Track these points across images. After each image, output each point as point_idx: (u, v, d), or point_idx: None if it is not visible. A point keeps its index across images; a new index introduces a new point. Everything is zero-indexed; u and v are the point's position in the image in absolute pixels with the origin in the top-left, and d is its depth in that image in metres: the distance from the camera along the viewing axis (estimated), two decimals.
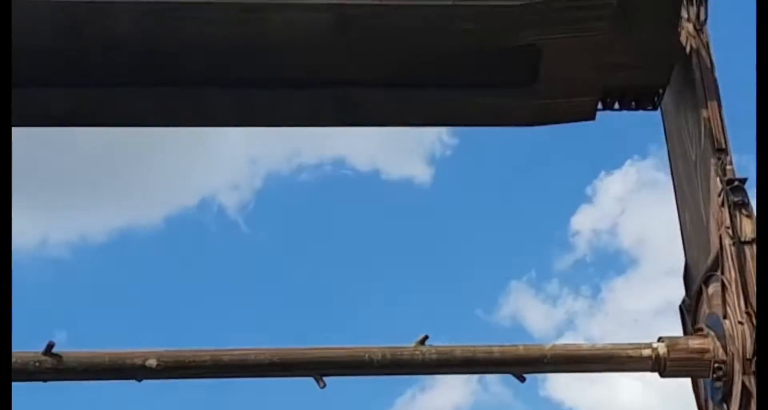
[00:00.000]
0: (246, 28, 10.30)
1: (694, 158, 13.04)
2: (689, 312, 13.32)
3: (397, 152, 35.56)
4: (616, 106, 13.57)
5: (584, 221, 39.45)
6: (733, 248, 11.82)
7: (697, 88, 12.71)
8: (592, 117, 13.40)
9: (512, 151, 33.73)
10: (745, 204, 11.99)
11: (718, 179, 12.17)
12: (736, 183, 11.98)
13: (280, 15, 10.30)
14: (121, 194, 32.79)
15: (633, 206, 38.52)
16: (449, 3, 10.33)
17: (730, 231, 11.84)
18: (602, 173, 37.24)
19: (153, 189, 33.08)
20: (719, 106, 12.57)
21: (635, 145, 37.40)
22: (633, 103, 13.48)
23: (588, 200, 38.52)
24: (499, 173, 35.12)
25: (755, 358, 11.29)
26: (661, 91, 13.18)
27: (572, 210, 37.78)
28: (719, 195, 12.11)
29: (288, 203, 34.65)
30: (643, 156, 36.03)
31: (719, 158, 12.19)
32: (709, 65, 12.84)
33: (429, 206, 34.72)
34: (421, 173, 34.24)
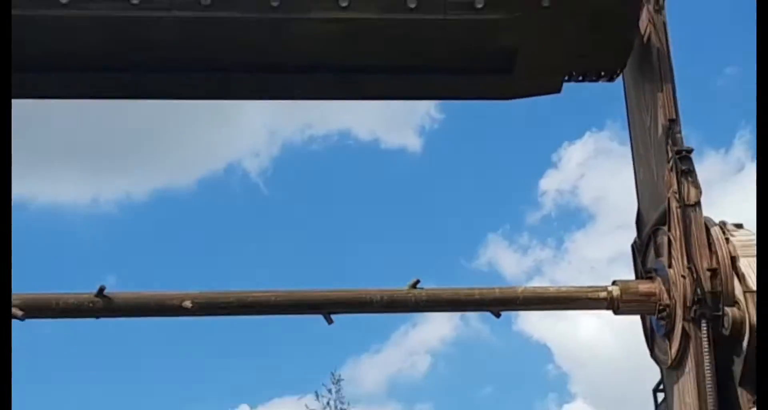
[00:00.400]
0: (266, 34, 12.25)
1: (648, 125, 14.52)
2: (640, 252, 15.13)
3: (393, 126, 40.20)
4: (580, 78, 15.36)
5: (550, 183, 45.96)
6: (678, 210, 13.41)
7: (653, 65, 14.18)
8: (558, 91, 15.17)
9: (490, 124, 39.00)
10: (691, 172, 13.50)
11: (668, 147, 13.71)
12: (684, 153, 13.46)
13: (299, 26, 12.21)
14: (160, 160, 37.18)
15: (591, 170, 43.49)
16: (441, 17, 12.15)
17: (677, 195, 13.41)
18: (565, 142, 43.83)
19: (187, 156, 37.37)
20: (672, 82, 14.00)
21: (594, 118, 41.23)
22: (595, 77, 15.26)
23: (554, 165, 45.62)
24: (479, 143, 41.18)
25: (694, 307, 12.80)
26: (619, 70, 14.62)
27: (540, 174, 44.78)
28: (668, 162, 13.63)
29: (301, 168, 39.70)
30: (601, 128, 39.45)
31: (671, 128, 13.71)
32: (665, 45, 14.18)
33: (419, 171, 40.63)
34: (413, 143, 40.30)
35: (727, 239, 13.53)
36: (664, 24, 14.38)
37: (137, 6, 12.37)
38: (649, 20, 14.27)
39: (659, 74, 14.20)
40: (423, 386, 37.16)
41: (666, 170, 13.80)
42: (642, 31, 14.38)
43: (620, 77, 15.26)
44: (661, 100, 14.15)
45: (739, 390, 12.92)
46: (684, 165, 13.45)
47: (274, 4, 12.42)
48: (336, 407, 25.28)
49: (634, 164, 15.69)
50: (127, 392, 32.78)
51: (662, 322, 13.97)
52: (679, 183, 13.51)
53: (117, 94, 14.22)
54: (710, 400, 12.60)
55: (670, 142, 13.76)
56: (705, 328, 12.74)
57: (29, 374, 28.90)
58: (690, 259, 13.15)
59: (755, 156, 13.98)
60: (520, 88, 14.81)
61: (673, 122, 13.81)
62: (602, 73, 14.81)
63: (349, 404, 25.68)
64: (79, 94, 14.42)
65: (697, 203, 13.43)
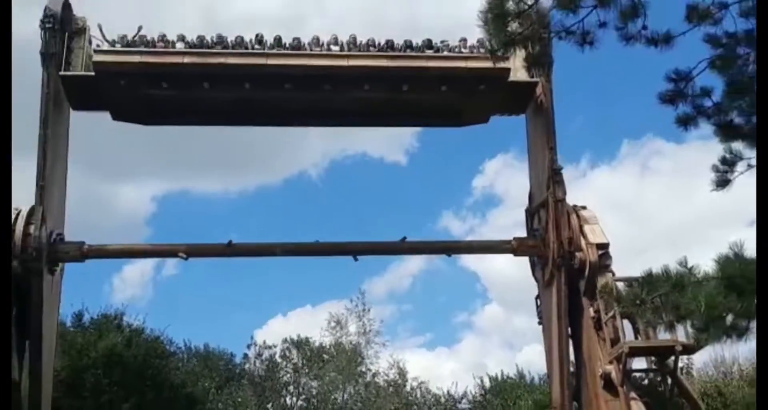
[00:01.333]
0: (326, 101, 20.21)
1: (539, 147, 21.21)
2: (530, 215, 21.89)
3: (390, 149, 67.99)
4: (499, 115, 22.54)
5: (479, 181, 72.64)
6: (552, 203, 20.23)
7: (543, 113, 20.97)
8: (486, 121, 22.48)
9: (444, 148, 67.92)
10: (560, 181, 20.18)
11: (548, 164, 20.43)
12: (557, 169, 20.26)
13: (335, 87, 19.82)
14: (262, 167, 60.46)
15: (501, 175, 67.34)
16: (418, 96, 20.04)
17: (552, 195, 20.28)
18: (486, 158, 73.47)
19: (277, 166, 60.78)
20: (553, 124, 20.86)
21: (502, 146, 67.01)
22: (508, 114, 22.54)
23: (480, 171, 73.60)
24: (439, 158, 66.31)
25: (558, 258, 19.44)
26: (524, 112, 22.02)
27: (473, 176, 70.34)
28: (547, 173, 20.44)
29: (339, 173, 64.43)
30: (507, 151, 63.22)
31: (551, 152, 20.46)
32: (550, 101, 20.90)
33: (406, 175, 64.81)
34: (402, 159, 65.85)
35: (577, 215, 20.64)
36: (551, 89, 21.12)
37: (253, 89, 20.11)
38: (543, 86, 20.97)
39: (545, 119, 20.93)
40: (406, 295, 61.39)
41: (546, 178, 20.63)
42: (538, 92, 21.05)
43: (524, 116, 22.30)
44: (545, 135, 20.88)
45: (583, 299, 20.25)
46: (556, 177, 20.43)
47: (327, 87, 20.01)
48: (363, 307, 37.44)
49: (529, 166, 22.58)
50: (247, 297, 58.69)
51: (540, 261, 21.39)
52: (553, 186, 20.37)
53: (242, 122, 22.12)
54: (563, 304, 20.08)
55: (549, 161, 20.40)
56: (563, 269, 19.90)
57: (192, 286, 58.36)
58: (557, 234, 20.20)
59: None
60: (466, 121, 22.44)
61: (552, 149, 20.62)
62: (510, 114, 22.43)
63: (368, 305, 38.32)
64: (218, 122, 22.32)
65: (563, 199, 20.37)
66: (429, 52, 20.72)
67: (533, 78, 21.20)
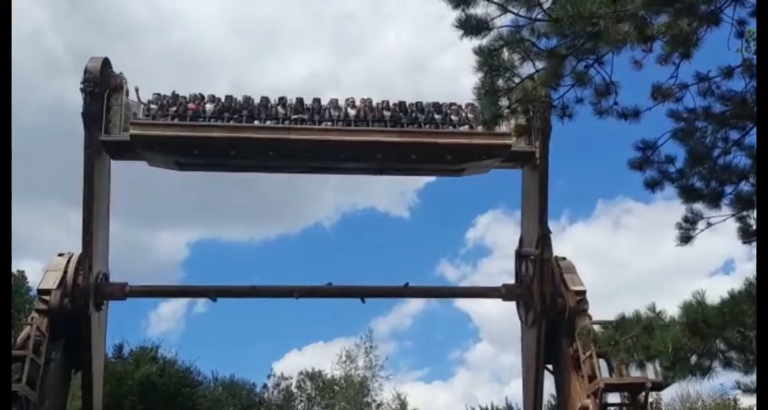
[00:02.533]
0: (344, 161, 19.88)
1: (532, 204, 20.25)
2: (519, 257, 21.41)
3: (395, 205, 67.35)
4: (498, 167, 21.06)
5: (471, 233, 71.18)
6: (539, 262, 19.85)
7: (538, 175, 19.86)
8: (487, 172, 21.41)
9: (441, 204, 68.29)
10: (548, 244, 19.72)
11: (539, 228, 19.81)
12: (546, 233, 19.69)
13: (349, 155, 19.49)
14: (282, 218, 60.49)
15: (491, 229, 66.68)
16: (431, 168, 20.02)
17: (539, 256, 19.76)
18: (478, 213, 70.53)
19: (295, 217, 61.33)
20: (546, 181, 19.88)
21: (492, 203, 68.85)
22: (508, 168, 21.18)
23: (473, 224, 73.11)
24: (436, 213, 67.13)
25: (540, 307, 19.12)
26: (522, 168, 20.90)
27: (467, 229, 72.28)
28: (537, 234, 19.82)
29: (350, 225, 65.00)
30: (496, 207, 63.48)
31: (541, 214, 19.84)
32: (545, 165, 19.65)
33: (408, 228, 65.18)
34: (405, 213, 66.14)
35: (558, 264, 20.41)
36: (546, 155, 19.69)
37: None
38: (539, 150, 19.60)
39: (539, 183, 19.95)
40: (407, 333, 60.58)
41: (537, 237, 19.99)
42: (536, 155, 19.75)
43: (521, 174, 21.19)
44: (538, 197, 19.97)
45: (563, 340, 19.94)
46: (546, 239, 19.84)
47: (342, 155, 19.80)
48: (371, 344, 37.28)
49: (522, 215, 21.78)
50: (267, 332, 57.96)
51: (524, 306, 21.22)
52: (542, 247, 19.83)
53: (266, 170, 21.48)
54: (542, 346, 19.90)
55: (540, 225, 19.79)
56: (544, 314, 19.68)
57: (219, 321, 56.97)
58: (541, 285, 19.99)
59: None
60: (468, 174, 21.39)
61: (543, 211, 19.94)
62: (510, 168, 21.15)
63: (375, 343, 38.31)
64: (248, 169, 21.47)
65: (548, 258, 19.88)
66: (438, 117, 20.22)
67: (533, 146, 20.16)
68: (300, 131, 19.66)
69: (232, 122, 19.75)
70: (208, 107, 20.02)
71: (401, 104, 20.50)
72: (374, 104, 20.39)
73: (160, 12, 60.52)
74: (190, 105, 20.01)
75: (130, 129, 19.22)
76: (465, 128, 20.26)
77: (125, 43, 56.09)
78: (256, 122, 19.81)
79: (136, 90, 19.65)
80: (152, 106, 19.81)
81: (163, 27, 61.03)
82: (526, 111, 8.48)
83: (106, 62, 19.65)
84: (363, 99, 20.48)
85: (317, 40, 64.71)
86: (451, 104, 20.54)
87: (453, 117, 20.37)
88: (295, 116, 19.86)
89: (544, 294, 19.98)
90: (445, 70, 57.18)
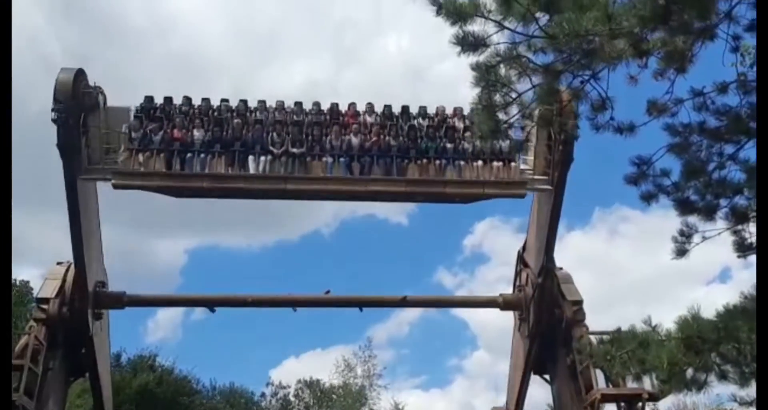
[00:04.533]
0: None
1: (542, 220, 19.46)
2: (520, 260, 21.24)
3: (394, 212, 64.02)
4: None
5: (469, 241, 72.18)
6: (537, 287, 19.74)
7: (551, 205, 18.68)
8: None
9: (439, 214, 76.27)
10: (551, 270, 19.41)
11: (543, 257, 19.21)
12: (550, 264, 19.26)
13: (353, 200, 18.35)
14: (281, 226, 59.70)
15: (488, 236, 68.83)
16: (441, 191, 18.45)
17: (540, 283, 19.59)
18: (476, 221, 68.66)
19: (295, 225, 60.49)
20: (558, 214, 18.92)
21: (489, 211, 71.76)
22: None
23: (471, 232, 73.74)
24: (435, 221, 69.63)
25: (536, 317, 19.20)
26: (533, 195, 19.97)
27: (465, 236, 71.67)
28: (541, 261, 19.33)
29: (349, 232, 65.12)
30: (493, 215, 64.51)
31: (548, 246, 19.14)
32: (560, 197, 18.37)
33: (406, 235, 65.09)
34: (404, 220, 65.91)
35: (555, 275, 20.03)
36: (562, 189, 18.36)
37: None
38: (556, 186, 18.34)
39: (551, 214, 18.97)
40: (405, 341, 60.71)
41: (540, 265, 19.60)
42: (553, 191, 18.49)
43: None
44: (546, 226, 19.20)
45: (560, 350, 19.82)
46: (549, 264, 19.58)
47: (346, 201, 19.02)
48: (369, 352, 37.16)
49: (530, 222, 21.21)
50: (264, 339, 57.23)
51: (522, 315, 21.17)
52: (544, 275, 19.64)
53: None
54: (533, 350, 20.03)
55: (546, 254, 19.21)
56: (538, 324, 19.62)
57: (217, 329, 56.47)
58: (539, 304, 19.92)
59: None
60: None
61: (551, 245, 19.21)
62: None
63: (373, 352, 38.18)
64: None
65: (550, 288, 19.70)
66: (449, 147, 19.26)
67: (550, 178, 18.94)
68: (297, 180, 18.24)
69: (224, 158, 18.24)
70: (197, 135, 18.26)
71: (404, 107, 19.99)
72: (376, 109, 19.92)
73: (160, 18, 60.85)
74: (176, 133, 18.32)
75: (112, 180, 17.85)
76: (479, 164, 19.01)
77: (125, 50, 56.39)
78: (250, 159, 18.23)
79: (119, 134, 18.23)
80: (134, 133, 18.36)
81: (163, 33, 61.33)
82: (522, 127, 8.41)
83: (79, 74, 17.59)
84: (367, 104, 19.90)
85: (317, 47, 65.10)
86: (455, 109, 19.99)
87: (466, 145, 19.03)
88: (294, 150, 18.38)
89: (541, 306, 20.02)
90: (444, 78, 57.41)
